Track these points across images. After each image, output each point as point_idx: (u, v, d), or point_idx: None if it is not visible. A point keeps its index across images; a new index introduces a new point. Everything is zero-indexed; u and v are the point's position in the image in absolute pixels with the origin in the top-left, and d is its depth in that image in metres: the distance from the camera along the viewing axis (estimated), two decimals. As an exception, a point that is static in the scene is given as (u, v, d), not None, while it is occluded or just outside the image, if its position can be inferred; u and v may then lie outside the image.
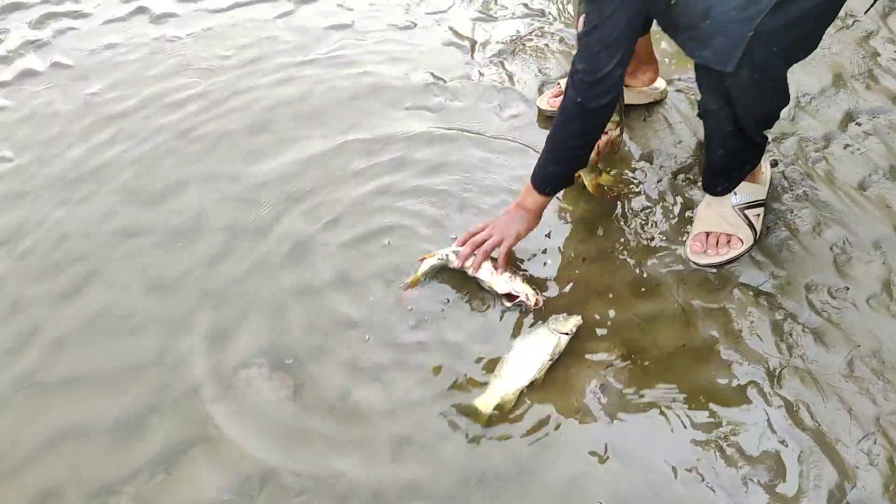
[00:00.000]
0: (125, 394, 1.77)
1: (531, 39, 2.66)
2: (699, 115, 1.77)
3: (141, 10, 3.06)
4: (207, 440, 1.65)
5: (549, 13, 2.81)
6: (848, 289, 1.79)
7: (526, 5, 2.85)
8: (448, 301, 1.87)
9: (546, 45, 2.65)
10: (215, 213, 2.16)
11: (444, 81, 2.51)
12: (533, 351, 1.73)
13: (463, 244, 1.88)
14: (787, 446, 1.56)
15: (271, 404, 1.72)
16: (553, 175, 1.84)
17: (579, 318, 1.79)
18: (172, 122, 2.48)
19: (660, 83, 2.30)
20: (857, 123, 2.17)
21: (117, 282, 2.02)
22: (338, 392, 1.73)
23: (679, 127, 2.25)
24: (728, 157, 1.80)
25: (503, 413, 1.65)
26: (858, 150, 2.09)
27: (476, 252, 1.86)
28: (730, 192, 1.90)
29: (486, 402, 1.67)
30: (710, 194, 1.92)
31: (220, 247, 2.07)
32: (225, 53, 2.76)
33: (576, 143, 1.80)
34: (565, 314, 1.80)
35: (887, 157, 2.06)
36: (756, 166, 1.88)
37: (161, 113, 2.53)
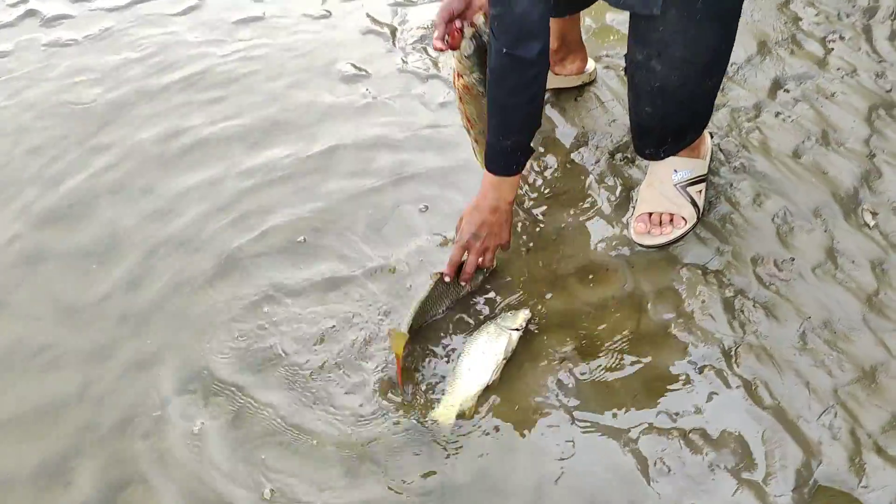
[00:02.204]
0: (45, 436, 1.63)
1: (453, 22, 2.57)
2: (625, 70, 1.71)
3: (30, 13, 2.83)
4: (141, 481, 1.52)
5: (468, -6, 2.72)
6: (793, 260, 1.77)
7: (443, -13, 2.75)
8: (388, 312, 1.78)
9: (468, 26, 2.56)
10: (131, 230, 2.01)
11: (367, 73, 2.39)
12: (485, 352, 1.65)
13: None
14: (749, 428, 1.52)
15: (209, 435, 1.60)
16: (513, 147, 1.67)
17: (528, 311, 1.72)
18: (76, 134, 2.30)
19: (589, 65, 2.23)
20: (785, 90, 2.16)
21: (26, 313, 1.85)
22: (281, 414, 1.62)
23: (611, 105, 2.19)
24: (654, 115, 1.72)
25: (464, 421, 1.57)
26: (790, 117, 2.08)
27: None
28: (661, 157, 1.84)
29: (446, 413, 1.58)
30: (640, 155, 1.88)
31: (139, 266, 1.92)
32: (127, 56, 2.58)
33: (520, 99, 1.61)
34: (513, 310, 1.74)
35: (818, 122, 2.05)
36: (694, 140, 1.84)
37: (61, 124, 2.34)
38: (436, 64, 2.40)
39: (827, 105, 2.09)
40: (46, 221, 2.05)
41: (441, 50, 1.64)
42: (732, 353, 1.64)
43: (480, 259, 1.74)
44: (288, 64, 2.46)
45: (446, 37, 1.63)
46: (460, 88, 1.72)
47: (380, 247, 1.91)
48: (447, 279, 1.72)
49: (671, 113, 1.72)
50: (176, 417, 1.63)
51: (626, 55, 1.68)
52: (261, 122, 2.26)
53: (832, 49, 2.26)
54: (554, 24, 2.06)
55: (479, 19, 1.65)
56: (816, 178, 1.92)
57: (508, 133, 1.66)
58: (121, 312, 1.83)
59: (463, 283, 1.75)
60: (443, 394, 1.62)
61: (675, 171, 1.85)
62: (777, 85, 2.18)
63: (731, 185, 1.94)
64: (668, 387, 1.60)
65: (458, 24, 1.64)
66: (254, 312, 1.80)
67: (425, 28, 2.54)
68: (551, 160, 2.08)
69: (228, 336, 1.76)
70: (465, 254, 1.74)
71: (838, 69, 2.18)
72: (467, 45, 1.64)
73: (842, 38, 2.28)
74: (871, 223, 1.81)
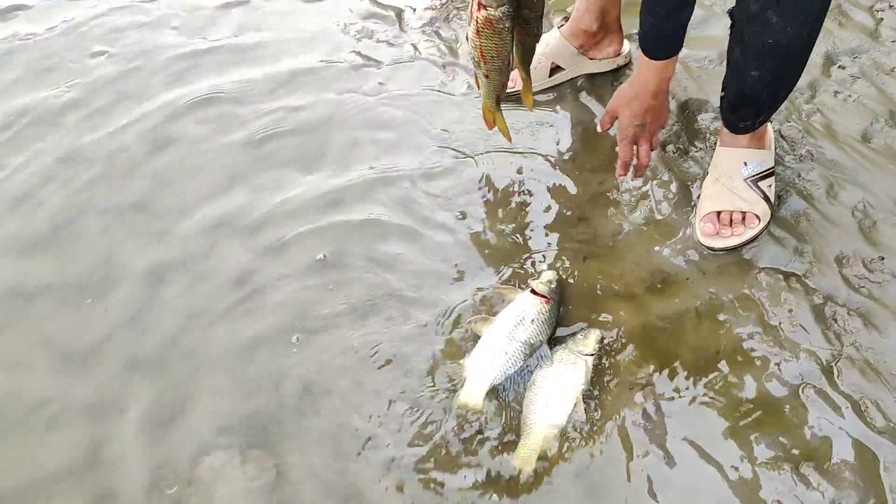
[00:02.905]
0: (53, 512, 1.38)
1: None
2: (731, 27, 1.53)
3: (-22, 4, 2.50)
4: (179, 566, 1.30)
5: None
6: (883, 259, 1.61)
7: (445, -39, 2.51)
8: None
9: (479, 5, 2.33)
10: (128, 254, 1.75)
11: (377, 63, 2.14)
12: (560, 383, 1.46)
13: None
14: (865, 456, 1.36)
15: (250, 497, 1.37)
16: (673, 28, 1.51)
17: (598, 331, 1.53)
18: (50, 142, 2.01)
19: (624, 47, 2.03)
20: (840, 67, 1.98)
21: (17, 362, 1.59)
22: (332, 470, 1.40)
23: (654, 89, 1.99)
24: (762, 79, 1.53)
25: (547, 461, 1.38)
26: (850, 96, 1.91)
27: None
28: (752, 130, 1.67)
29: (526, 457, 1.39)
30: (731, 130, 1.68)
31: (143, 296, 1.67)
32: (98, 49, 2.28)
33: None
34: (582, 331, 1.54)
35: (882, 101, 1.88)
36: (778, 107, 1.66)
37: (32, 133, 2.05)
38: (452, 49, 2.17)
39: (888, 81, 1.92)
40: (28, 250, 1.77)
41: None
42: (832, 368, 1.47)
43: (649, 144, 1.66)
44: (283, 56, 2.19)
45: None
46: (480, 20, 1.48)
47: (412, 271, 1.69)
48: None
49: (779, 76, 1.53)
50: (209, 480, 1.40)
51: (731, 10, 1.50)
52: (261, 129, 2.00)
53: (882, 19, 2.09)
54: (596, 1, 1.85)
55: None
56: (892, 163, 1.76)
57: (669, 15, 1.48)
58: (127, 355, 1.58)
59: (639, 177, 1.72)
60: (519, 436, 1.42)
61: (745, 163, 1.67)
62: (830, 61, 2.01)
63: (800, 175, 1.76)
64: (766, 411, 1.43)
65: None
66: (283, 344, 1.57)
67: (435, 8, 2.30)
68: (594, 155, 1.88)
69: (259, 373, 1.53)
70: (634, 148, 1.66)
71: (893, 41, 2.02)
72: None
73: (891, 6, 2.12)
74: (961, 213, 1.66)
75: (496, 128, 1.72)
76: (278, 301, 1.64)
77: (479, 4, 1.47)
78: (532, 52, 1.66)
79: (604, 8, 1.88)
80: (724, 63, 1.61)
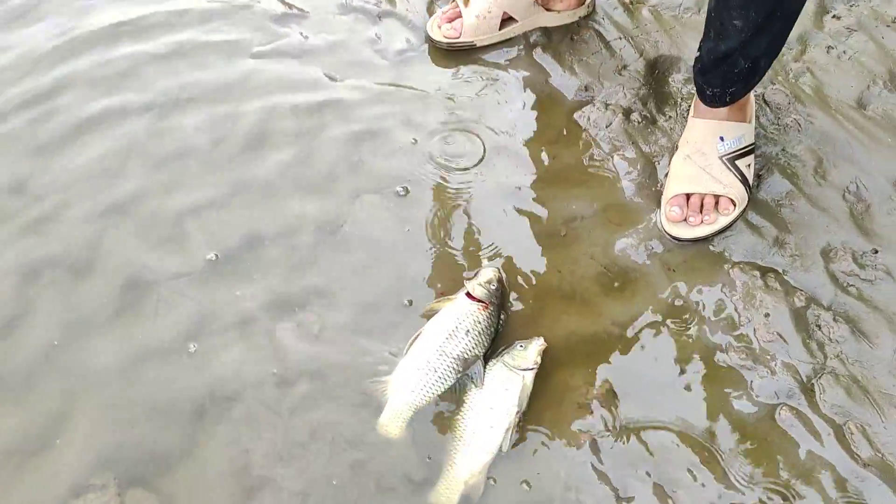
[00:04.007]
0: None
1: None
2: None
3: None
4: None
5: None
6: (877, 251, 1.38)
7: None
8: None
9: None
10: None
11: (302, 11, 1.85)
12: (493, 406, 1.24)
13: None
14: (849, 492, 1.16)
15: (126, 550, 1.16)
16: None
17: (542, 340, 1.30)
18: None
19: (586, -6, 1.76)
20: (834, 17, 1.72)
21: None
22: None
23: (619, 45, 1.72)
24: (742, 33, 1.28)
25: (470, 501, 1.18)
26: (845, 53, 1.65)
27: None
28: (721, 103, 1.42)
29: (447, 495, 1.18)
30: (701, 99, 1.44)
31: (11, 300, 1.42)
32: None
33: None
34: (522, 340, 1.31)
35: (882, 59, 1.62)
36: (758, 81, 1.41)
37: None
38: (389, -3, 1.88)
39: (889, 35, 1.66)
40: None
41: None
42: (813, 385, 1.26)
43: None
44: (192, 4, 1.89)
45: None
46: None
47: (336, 262, 1.45)
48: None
49: (761, 28, 1.27)
50: (79, 529, 1.18)
51: None
52: (163, 90, 1.71)
53: (883, -40, 1.81)
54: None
55: None
56: (891, 135, 1.51)
57: None
58: (-9, 372, 1.34)
59: None
60: (442, 467, 1.20)
61: (722, 138, 1.42)
62: (823, 9, 1.74)
63: (784, 150, 1.52)
64: (736, 438, 1.22)
65: None
66: (176, 357, 1.34)
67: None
68: (547, 124, 1.62)
69: (142, 396, 1.30)
70: None
71: (896, -14, 1.75)
72: None
73: (894, -56, 1.83)
74: (969, 196, 1.42)
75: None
76: (173, 305, 1.40)
77: None
78: None
79: (563, -52, 1.61)
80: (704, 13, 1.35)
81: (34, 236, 1.49)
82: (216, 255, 1.44)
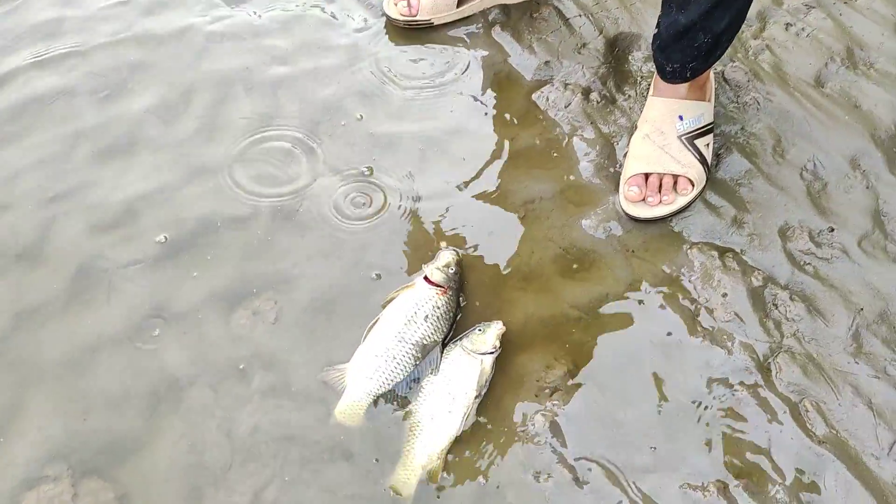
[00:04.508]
0: None
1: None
2: None
3: None
4: None
5: None
6: (832, 230, 1.38)
7: None
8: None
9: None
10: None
11: (253, -8, 1.81)
12: (450, 390, 1.23)
13: None
14: (805, 472, 1.17)
15: (79, 544, 1.15)
16: None
17: (500, 324, 1.29)
18: None
19: (546, -34, 1.73)
20: (793, -7, 1.71)
21: None
22: (184, 495, 1.17)
23: (579, 22, 1.70)
24: (702, 5, 1.27)
25: (428, 485, 1.17)
26: (804, 30, 1.64)
27: None
28: (681, 79, 1.41)
29: (405, 480, 1.17)
30: (661, 76, 1.43)
31: (-40, 291, 1.38)
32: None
33: None
34: (481, 323, 1.30)
35: (840, 37, 1.62)
36: (719, 57, 1.40)
37: None
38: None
39: (847, 12, 1.66)
40: None
41: None
42: (770, 364, 1.26)
43: None
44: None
45: None
46: None
47: (289, 247, 1.42)
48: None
49: (724, 2, 1.26)
50: (30, 523, 1.16)
51: None
52: (111, 66, 1.66)
53: (842, -65, 1.81)
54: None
55: None
56: (848, 113, 1.52)
57: None
58: (-63, 366, 1.31)
59: None
60: (400, 453, 1.20)
61: (681, 117, 1.42)
62: (782, -14, 1.73)
63: (743, 128, 1.51)
64: (692, 418, 1.22)
65: None
66: (132, 344, 1.31)
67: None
68: (506, 104, 1.60)
69: (96, 385, 1.27)
70: None
71: (854, -38, 1.74)
72: None
73: (852, -81, 1.83)
74: (923, 173, 1.43)
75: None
76: (126, 292, 1.37)
77: None
78: None
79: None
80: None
81: (-21, 226, 1.45)
82: (165, 237, 1.41)
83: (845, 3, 1.67)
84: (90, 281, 1.39)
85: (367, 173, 1.50)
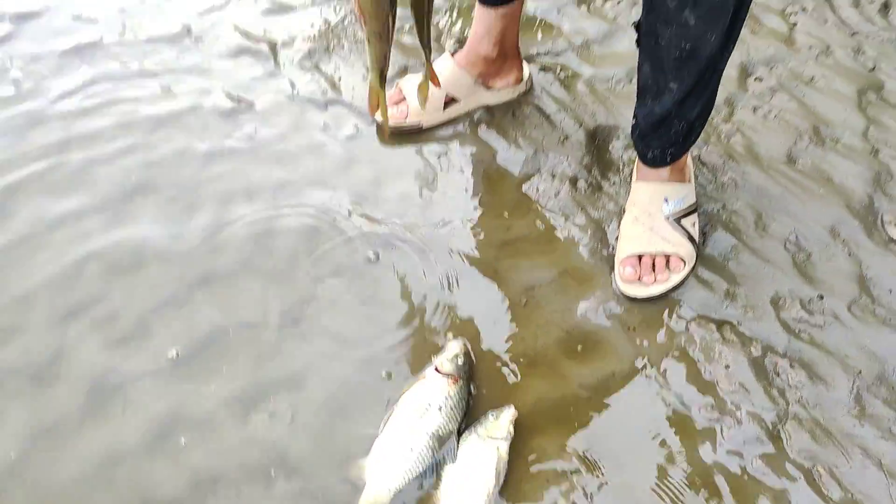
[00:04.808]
0: None
1: (346, 28, 2.09)
2: (637, 42, 1.38)
3: None
4: None
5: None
6: (822, 297, 1.44)
7: (325, -15, 2.26)
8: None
9: (364, 32, 2.10)
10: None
11: (251, 103, 1.89)
12: (469, 479, 1.24)
13: None
14: (825, 536, 1.19)
15: None
16: None
17: (513, 409, 1.32)
18: None
19: (525, 71, 1.84)
20: (756, 79, 1.83)
21: None
22: None
23: (559, 117, 1.80)
24: (678, 94, 1.36)
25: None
26: (770, 112, 1.75)
27: None
28: (662, 163, 1.49)
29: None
30: (642, 161, 1.51)
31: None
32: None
33: None
34: (494, 410, 1.33)
35: (805, 116, 1.73)
36: (696, 139, 1.49)
37: None
38: (334, 85, 1.93)
39: (809, 93, 1.78)
40: None
41: None
42: (779, 432, 1.29)
43: None
44: (142, 105, 1.91)
45: None
46: None
47: (294, 352, 1.45)
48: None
49: (696, 90, 1.36)
50: None
51: (636, 22, 1.35)
52: (118, 189, 1.72)
53: (795, 24, 1.96)
54: (495, 22, 1.65)
55: None
56: (822, 186, 1.61)
57: None
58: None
59: None
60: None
61: (667, 200, 1.49)
62: (745, 72, 1.85)
63: (725, 206, 1.59)
64: (712, 492, 1.24)
65: None
66: (150, 456, 1.31)
67: (312, 40, 2.05)
68: (499, 197, 1.67)
69: (122, 498, 1.26)
70: None
71: (810, 48, 1.88)
72: None
73: (804, 9, 1.98)
74: (899, 238, 1.51)
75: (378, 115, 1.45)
76: (141, 404, 1.38)
77: None
78: (424, 22, 1.36)
79: (504, 31, 1.68)
80: (635, 83, 1.43)
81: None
82: (177, 353, 1.43)
83: (806, 84, 1.79)
84: (105, 396, 1.39)
85: (373, 259, 1.54)
